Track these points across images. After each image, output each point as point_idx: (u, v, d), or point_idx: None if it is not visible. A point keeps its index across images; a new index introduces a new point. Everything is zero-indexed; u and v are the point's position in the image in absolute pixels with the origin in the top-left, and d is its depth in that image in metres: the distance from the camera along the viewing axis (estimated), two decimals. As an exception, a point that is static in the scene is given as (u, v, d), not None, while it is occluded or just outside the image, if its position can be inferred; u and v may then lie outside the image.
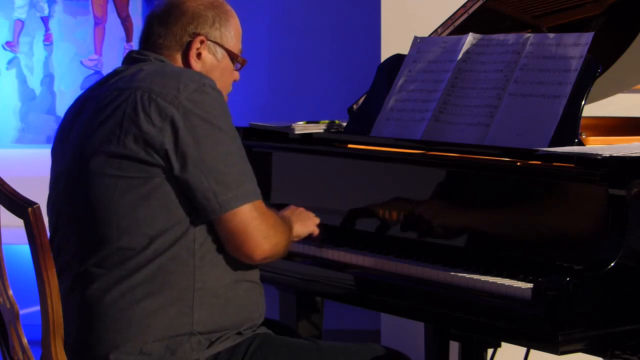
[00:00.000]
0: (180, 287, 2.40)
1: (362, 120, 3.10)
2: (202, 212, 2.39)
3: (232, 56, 2.62)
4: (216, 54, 2.59)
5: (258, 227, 2.41)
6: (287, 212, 2.75)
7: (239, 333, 2.48)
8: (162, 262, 2.38)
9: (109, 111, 2.42)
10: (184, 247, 2.40)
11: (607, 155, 2.42)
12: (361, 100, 3.25)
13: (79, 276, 2.42)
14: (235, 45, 2.62)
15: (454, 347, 2.94)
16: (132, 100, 2.40)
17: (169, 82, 2.41)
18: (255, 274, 2.53)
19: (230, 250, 2.43)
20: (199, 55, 2.57)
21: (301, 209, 2.82)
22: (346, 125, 3.18)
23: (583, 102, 2.65)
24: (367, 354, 2.56)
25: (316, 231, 2.82)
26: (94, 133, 2.44)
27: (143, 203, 2.38)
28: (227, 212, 2.38)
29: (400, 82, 3.04)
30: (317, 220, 2.83)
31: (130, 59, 2.57)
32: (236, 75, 2.67)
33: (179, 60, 2.57)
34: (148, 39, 2.58)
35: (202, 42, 2.56)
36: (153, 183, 2.38)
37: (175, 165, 2.37)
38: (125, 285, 2.38)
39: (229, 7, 2.63)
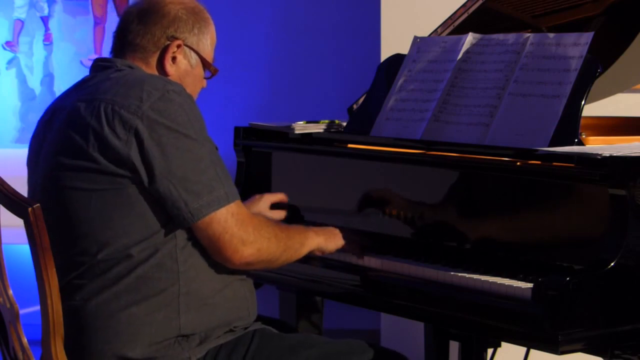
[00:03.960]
0: (166, 294, 2.39)
1: (362, 120, 3.10)
2: (175, 221, 2.38)
3: (205, 64, 2.60)
4: (190, 60, 2.57)
5: (236, 233, 2.39)
6: (315, 228, 2.70)
7: (231, 330, 2.48)
8: (144, 270, 2.38)
9: (76, 125, 2.40)
10: (166, 253, 2.39)
11: (607, 155, 2.42)
12: (361, 100, 3.24)
13: (62, 290, 2.38)
14: (209, 53, 2.61)
15: (454, 347, 2.94)
16: (97, 113, 2.37)
17: (132, 91, 2.38)
18: (242, 272, 2.51)
19: (212, 255, 2.43)
20: (174, 59, 2.55)
21: (332, 228, 2.75)
22: (346, 125, 3.18)
23: (583, 102, 2.65)
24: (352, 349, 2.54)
25: (341, 246, 2.73)
26: (62, 148, 2.42)
27: (119, 214, 2.37)
28: (200, 220, 2.37)
29: (400, 81, 3.04)
30: (340, 239, 2.74)
31: (96, 67, 2.55)
32: (204, 83, 2.65)
33: (152, 63, 2.54)
34: (124, 36, 2.55)
35: (178, 46, 2.54)
36: (126, 194, 2.36)
37: (144, 176, 2.35)
38: (108, 293, 2.38)
39: (208, 16, 2.61)
